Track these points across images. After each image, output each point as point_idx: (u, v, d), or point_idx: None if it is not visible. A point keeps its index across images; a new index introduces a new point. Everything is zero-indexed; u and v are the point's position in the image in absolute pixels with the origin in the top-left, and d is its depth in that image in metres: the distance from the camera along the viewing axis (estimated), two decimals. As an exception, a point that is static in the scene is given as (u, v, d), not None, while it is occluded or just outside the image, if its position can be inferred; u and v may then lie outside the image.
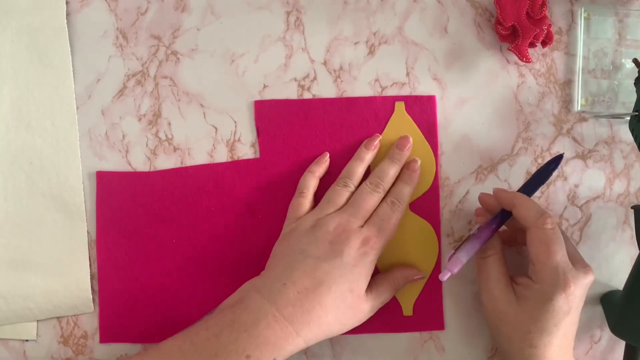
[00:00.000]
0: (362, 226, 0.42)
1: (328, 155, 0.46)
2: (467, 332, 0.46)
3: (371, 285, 0.43)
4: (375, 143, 0.45)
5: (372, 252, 0.41)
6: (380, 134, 0.46)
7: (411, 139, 0.45)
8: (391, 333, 0.46)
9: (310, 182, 0.44)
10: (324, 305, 0.39)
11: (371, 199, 0.43)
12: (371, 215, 0.43)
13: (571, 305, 0.39)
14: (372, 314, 0.43)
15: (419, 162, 0.45)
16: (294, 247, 0.41)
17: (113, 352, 0.46)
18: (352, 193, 0.44)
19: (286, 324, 0.38)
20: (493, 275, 0.41)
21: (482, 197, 0.44)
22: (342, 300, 0.40)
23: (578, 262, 0.41)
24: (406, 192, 0.44)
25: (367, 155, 0.45)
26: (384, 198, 0.44)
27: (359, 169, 0.44)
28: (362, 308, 0.41)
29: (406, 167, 0.45)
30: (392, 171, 0.44)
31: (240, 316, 0.38)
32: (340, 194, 0.43)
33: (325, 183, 0.45)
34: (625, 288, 0.43)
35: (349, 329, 0.41)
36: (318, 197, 0.45)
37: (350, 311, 0.40)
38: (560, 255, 0.39)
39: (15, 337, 0.45)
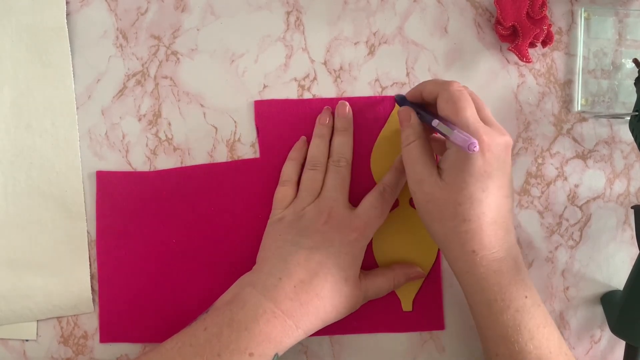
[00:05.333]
0: (349, 207, 0.42)
1: (305, 139, 0.45)
2: (467, 332, 0.46)
3: (367, 275, 0.43)
4: (328, 114, 0.45)
5: (362, 239, 0.42)
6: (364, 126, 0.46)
7: (347, 104, 0.45)
8: (391, 333, 0.46)
9: (291, 169, 0.45)
10: (321, 296, 0.39)
11: (341, 175, 0.43)
12: (322, 189, 0.43)
13: (492, 164, 0.36)
14: (365, 301, 0.43)
15: (347, 105, 0.45)
16: (284, 237, 0.41)
17: (113, 352, 0.46)
18: (324, 172, 0.44)
19: (285, 319, 0.38)
20: (418, 159, 0.39)
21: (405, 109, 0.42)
22: (338, 289, 0.40)
23: (493, 125, 0.38)
24: (345, 145, 0.44)
25: (324, 131, 0.45)
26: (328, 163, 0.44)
27: (321, 147, 0.44)
28: (357, 295, 0.42)
29: (336, 115, 0.45)
30: (345, 141, 0.44)
31: (238, 314, 0.38)
32: (314, 179, 0.43)
33: None
34: (625, 288, 0.43)
35: (344, 316, 0.42)
36: None
37: (345, 299, 0.41)
38: (470, 112, 0.37)
39: (15, 337, 0.45)
